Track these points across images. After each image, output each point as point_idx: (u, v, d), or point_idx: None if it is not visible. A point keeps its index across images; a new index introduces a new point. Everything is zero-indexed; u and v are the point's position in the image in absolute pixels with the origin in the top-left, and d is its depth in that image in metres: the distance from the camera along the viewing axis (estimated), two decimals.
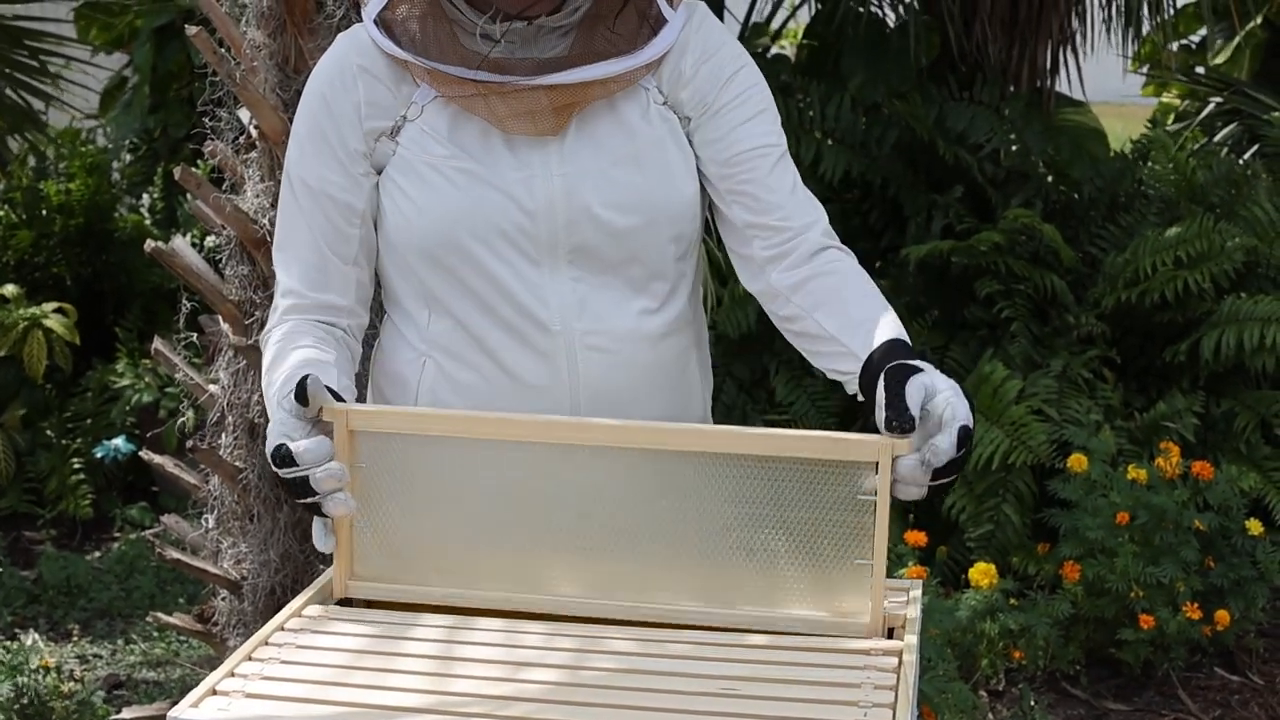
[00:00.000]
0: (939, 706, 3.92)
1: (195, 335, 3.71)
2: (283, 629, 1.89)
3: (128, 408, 6.08)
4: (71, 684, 4.42)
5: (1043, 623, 4.48)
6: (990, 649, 4.50)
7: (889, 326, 2.12)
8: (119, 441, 5.97)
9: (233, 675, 1.77)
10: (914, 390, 1.95)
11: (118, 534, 6.00)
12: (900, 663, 1.78)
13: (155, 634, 5.08)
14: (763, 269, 2.27)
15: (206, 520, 3.69)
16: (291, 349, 2.17)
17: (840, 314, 2.17)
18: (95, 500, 6.02)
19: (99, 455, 5.96)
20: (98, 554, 5.81)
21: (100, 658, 4.96)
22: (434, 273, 2.22)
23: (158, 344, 3.72)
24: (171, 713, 1.66)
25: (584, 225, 2.18)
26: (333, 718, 1.65)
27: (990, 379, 5.03)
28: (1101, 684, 4.66)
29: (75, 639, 5.07)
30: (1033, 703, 4.44)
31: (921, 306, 5.51)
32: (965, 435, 1.91)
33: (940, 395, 1.95)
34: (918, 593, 1.98)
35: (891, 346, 2.08)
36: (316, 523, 2.02)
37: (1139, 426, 5.21)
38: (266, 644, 1.85)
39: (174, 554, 3.59)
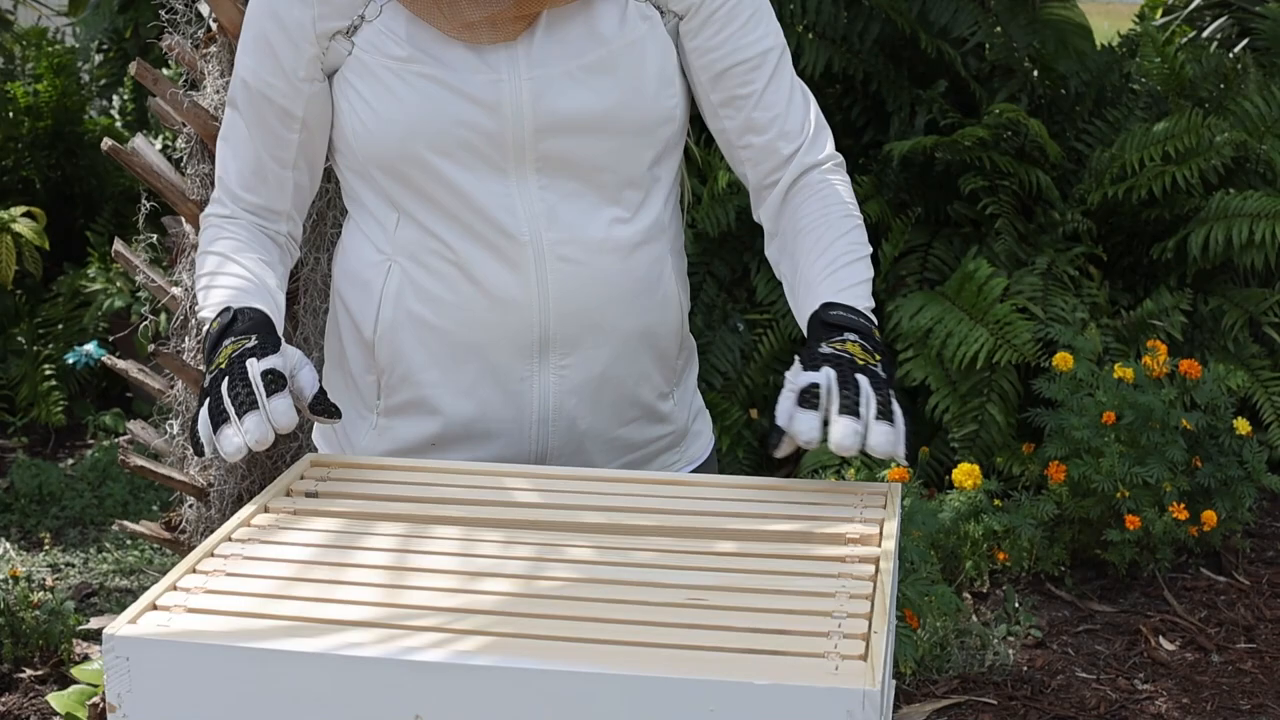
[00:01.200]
0: (921, 610, 3.87)
1: (156, 237, 3.62)
2: (230, 539, 1.81)
3: (99, 313, 5.99)
4: (42, 593, 4.35)
5: (1027, 524, 4.43)
6: (974, 551, 4.45)
7: (826, 286, 2.09)
8: (91, 347, 5.87)
9: (175, 589, 1.68)
10: (783, 398, 1.96)
11: (91, 441, 5.93)
12: (877, 570, 1.69)
13: (128, 542, 5.01)
14: (756, 197, 2.24)
15: (171, 426, 3.61)
16: (228, 270, 2.14)
17: (792, 271, 2.17)
18: (68, 407, 5.96)
19: (70, 361, 5.87)
20: (70, 462, 5.74)
21: (73, 566, 4.90)
22: (396, 182, 2.12)
23: (117, 246, 3.62)
24: (108, 630, 1.57)
25: (553, 132, 2.08)
26: (277, 632, 1.56)
27: (974, 277, 4.95)
28: (1087, 585, 4.61)
29: (47, 548, 5.00)
30: (1017, 604, 4.39)
31: (904, 203, 5.41)
32: (808, 395, 1.90)
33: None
34: (896, 498, 1.89)
35: (813, 321, 2.06)
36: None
37: (1125, 325, 5.14)
38: (212, 555, 1.76)
39: (138, 461, 3.50)
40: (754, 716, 1.45)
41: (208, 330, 2.04)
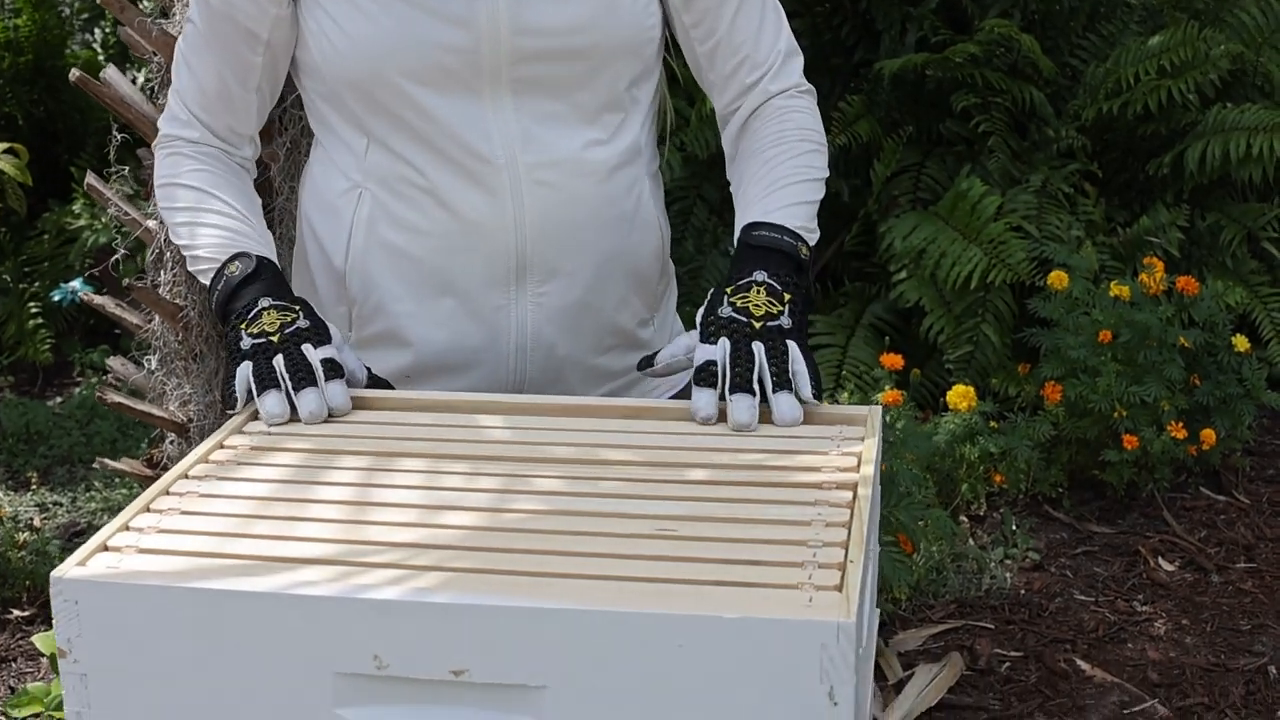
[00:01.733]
0: (916, 534, 3.81)
1: (126, 169, 3.55)
2: (186, 476, 1.75)
3: (85, 249, 5.92)
4: (28, 534, 4.30)
5: (1024, 445, 4.37)
6: (970, 473, 4.39)
7: (759, 206, 2.06)
8: (76, 284, 5.80)
9: (127, 529, 1.62)
10: (680, 342, 2.00)
11: (78, 379, 5.86)
12: (855, 497, 1.63)
13: (116, 480, 4.95)
14: (721, 122, 2.22)
15: (149, 361, 3.55)
16: (216, 209, 2.11)
17: (738, 192, 2.14)
18: (55, 345, 5.89)
19: (56, 299, 5.80)
20: (58, 400, 5.68)
21: (60, 505, 4.84)
22: (367, 106, 2.06)
23: (90, 179, 3.55)
24: (55, 573, 1.51)
25: (528, 53, 2.02)
26: (231, 571, 1.50)
27: (968, 195, 4.88)
28: (1084, 506, 4.55)
29: (34, 487, 4.94)
30: (1014, 527, 4.34)
31: (896, 122, 5.33)
32: (703, 373, 1.87)
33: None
34: (877, 422, 1.83)
35: (738, 245, 2.03)
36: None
37: (1122, 242, 5.07)
38: (167, 493, 1.70)
39: (116, 398, 3.44)
40: (724, 651, 1.39)
41: (220, 272, 2.03)
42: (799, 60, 2.18)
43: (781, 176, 2.07)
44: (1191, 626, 3.91)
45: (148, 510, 1.66)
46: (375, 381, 2.04)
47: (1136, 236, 5.05)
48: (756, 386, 1.84)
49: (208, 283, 2.06)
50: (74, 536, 4.62)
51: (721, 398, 1.85)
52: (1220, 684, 3.64)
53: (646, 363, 2.02)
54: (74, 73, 3.30)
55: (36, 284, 5.96)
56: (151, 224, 3.46)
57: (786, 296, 1.93)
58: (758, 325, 1.88)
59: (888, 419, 3.99)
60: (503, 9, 1.99)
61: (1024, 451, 4.37)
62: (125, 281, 3.31)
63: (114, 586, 1.50)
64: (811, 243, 2.04)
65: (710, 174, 5.29)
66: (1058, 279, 4.56)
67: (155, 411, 3.47)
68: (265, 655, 1.47)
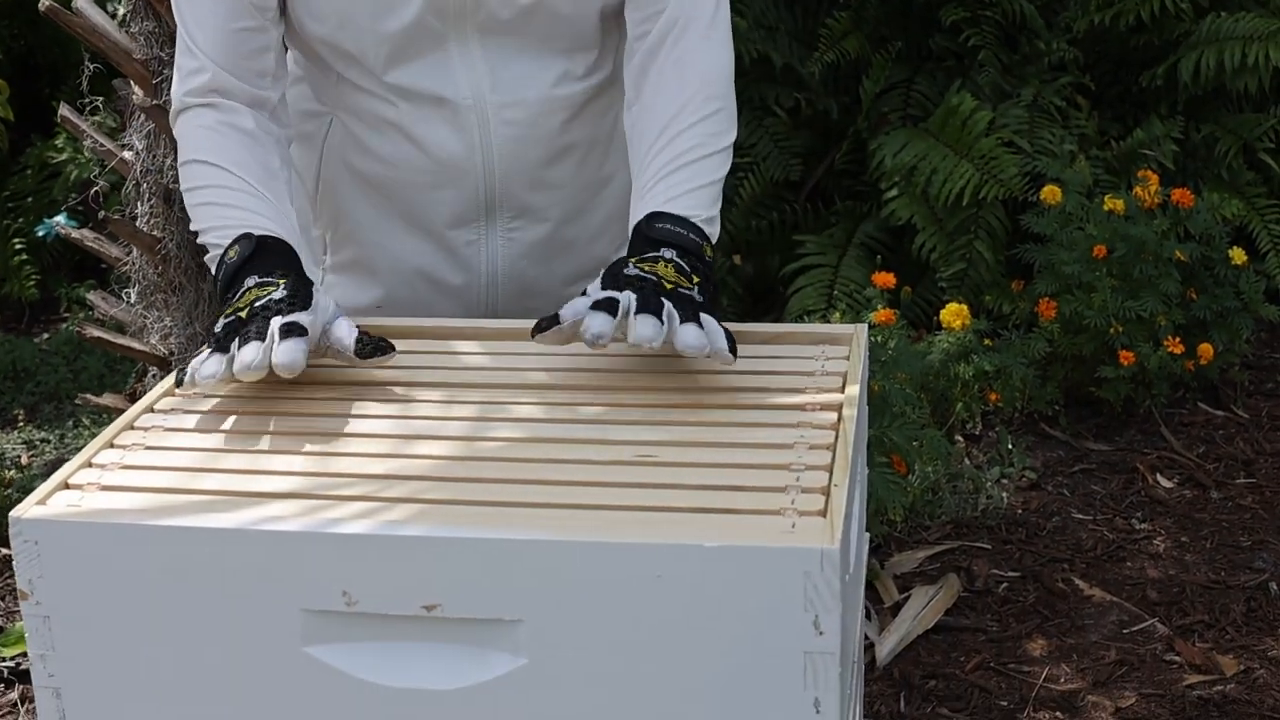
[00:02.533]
0: (910, 455, 3.77)
1: (100, 100, 3.50)
2: (151, 410, 1.69)
3: (69, 184, 5.85)
4: (15, 471, 4.26)
5: (1019, 363, 4.32)
6: (965, 393, 4.34)
7: (657, 192, 1.88)
8: (61, 219, 5.72)
9: (89, 466, 1.57)
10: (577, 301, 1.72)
11: (65, 315, 5.81)
12: (840, 418, 1.58)
13: (104, 416, 4.90)
14: (627, 50, 2.03)
15: (128, 295, 3.50)
16: (227, 184, 1.91)
17: (635, 164, 1.96)
18: (41, 281, 5.82)
19: (41, 234, 5.74)
20: (45, 336, 5.62)
21: (48, 443, 4.79)
22: (333, 52, 1.99)
23: (64, 111, 3.50)
24: (14, 513, 1.47)
25: (493, 6, 1.94)
26: (195, 508, 1.45)
27: (958, 111, 4.81)
28: (1081, 424, 4.51)
29: (21, 425, 4.90)
30: (1010, 445, 4.29)
31: (884, 38, 5.25)
32: (602, 304, 1.66)
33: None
34: (862, 339, 1.77)
35: (635, 234, 1.85)
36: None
37: (1115, 155, 5.01)
38: (131, 428, 1.65)
39: (96, 332, 3.40)
40: (705, 581, 1.34)
41: (222, 259, 1.84)
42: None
43: (682, 153, 1.90)
44: (1191, 544, 3.87)
45: (111, 446, 1.61)
46: (371, 346, 1.75)
47: (1130, 150, 4.98)
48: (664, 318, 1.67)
49: (214, 272, 1.90)
50: None
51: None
52: (1220, 601, 3.61)
53: (549, 322, 1.72)
54: (44, 3, 3.24)
55: (21, 220, 5.89)
56: (128, 155, 3.41)
57: (695, 279, 1.76)
58: (668, 287, 1.71)
59: (879, 339, 3.94)
60: None
61: (1019, 369, 4.32)
62: (101, 214, 3.26)
63: (75, 525, 1.46)
64: (714, 237, 1.88)
65: None
66: (1051, 194, 4.50)
67: (136, 345, 3.43)
68: (231, 593, 1.42)
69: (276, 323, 1.67)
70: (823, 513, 1.39)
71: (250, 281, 1.77)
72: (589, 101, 2.04)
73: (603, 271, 1.76)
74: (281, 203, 1.92)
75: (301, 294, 1.74)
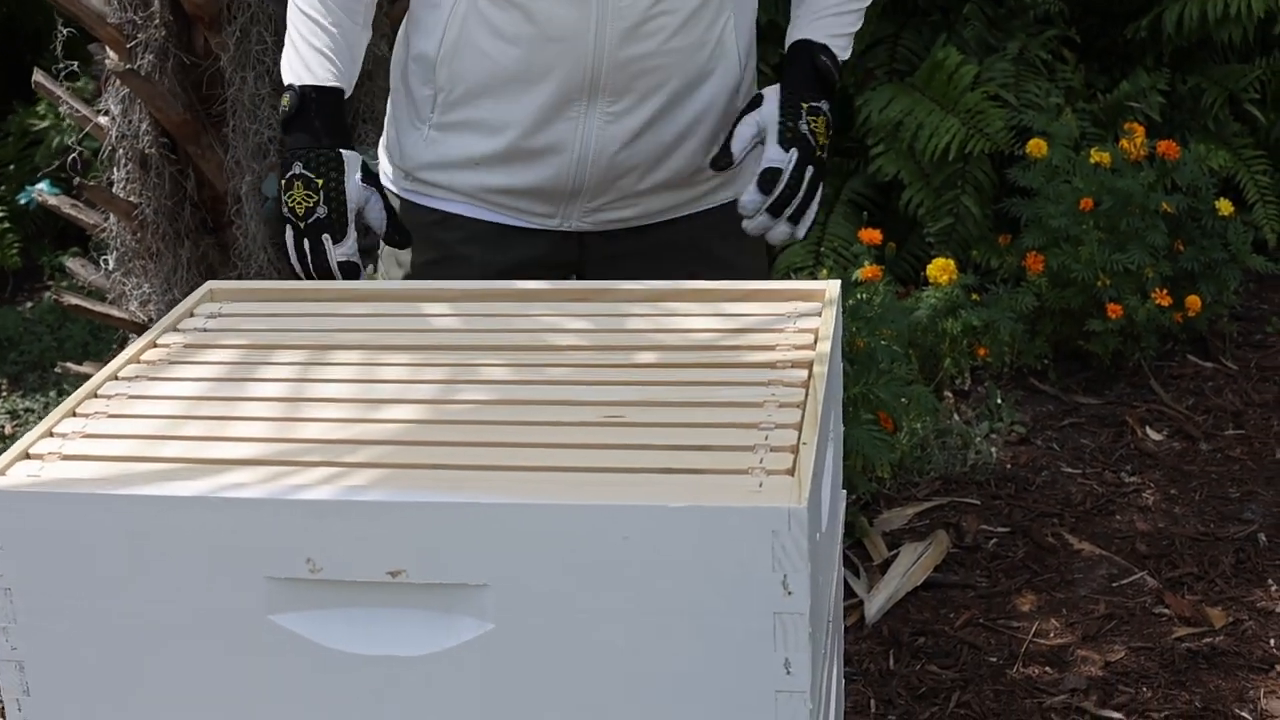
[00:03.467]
0: (897, 412, 3.75)
1: (76, 65, 3.48)
2: (116, 377, 1.67)
3: (51, 151, 5.81)
4: (0, 441, 4.24)
5: (1007, 317, 4.30)
6: (953, 348, 4.32)
7: (816, 23, 2.23)
8: (43, 186, 5.69)
9: (50, 435, 1.55)
10: (745, 128, 2.15)
11: (49, 283, 5.78)
12: (810, 376, 1.56)
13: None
14: None
15: (106, 262, 3.48)
16: (301, 7, 2.18)
17: (806, 10, 2.26)
18: (24, 249, 5.79)
19: (23, 202, 5.70)
20: (29, 305, 5.60)
21: (32, 412, 4.77)
22: None
23: (39, 76, 3.47)
24: None
25: None
26: (156, 476, 1.43)
27: (944, 65, 4.78)
28: (1070, 378, 4.49)
29: (5, 394, 4.88)
30: (1000, 400, 4.27)
31: None
32: (768, 178, 2.09)
33: (765, 134, 2.14)
34: (835, 294, 1.75)
35: (794, 52, 2.24)
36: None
37: (1102, 108, 4.98)
38: (95, 396, 1.63)
39: (74, 300, 3.38)
40: (672, 542, 1.32)
41: (278, 108, 2.25)
42: None
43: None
44: (1180, 496, 3.86)
45: (73, 415, 1.59)
46: (398, 230, 2.17)
47: (1117, 102, 4.95)
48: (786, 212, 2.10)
49: None
50: None
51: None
52: (1210, 553, 3.59)
53: (725, 159, 2.16)
54: None
55: (3, 187, 5.86)
56: (103, 120, 3.38)
57: (828, 135, 2.17)
58: (818, 153, 2.12)
59: (865, 296, 3.91)
60: None
61: (1007, 324, 4.30)
62: (77, 180, 3.24)
63: (34, 496, 1.44)
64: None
65: None
66: (1037, 147, 4.47)
67: (115, 312, 3.41)
68: (194, 562, 1.40)
69: (334, 258, 2.06)
70: (791, 471, 1.37)
71: (296, 168, 2.09)
72: (703, 4, 2.16)
73: (779, 106, 2.13)
74: (349, 35, 2.19)
75: (337, 210, 2.08)
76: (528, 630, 1.36)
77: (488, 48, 2.15)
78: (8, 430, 4.44)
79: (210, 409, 1.58)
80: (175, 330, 1.79)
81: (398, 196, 2.30)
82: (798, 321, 1.69)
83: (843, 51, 2.23)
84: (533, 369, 1.62)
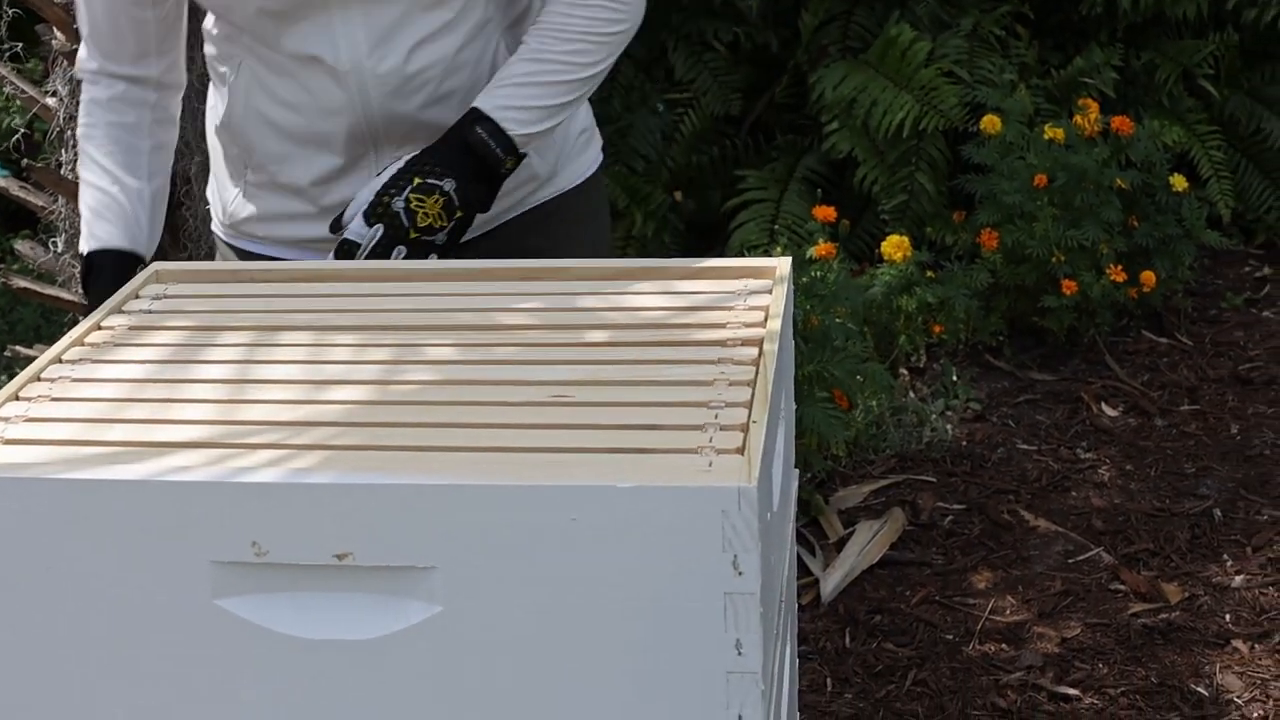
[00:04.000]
0: (852, 389, 3.75)
1: (20, 46, 3.44)
2: (59, 360, 1.65)
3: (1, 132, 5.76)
4: None
5: (961, 294, 4.30)
6: (908, 325, 4.32)
7: (493, 91, 2.07)
8: None
9: None
10: (365, 192, 2.01)
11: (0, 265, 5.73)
12: (760, 354, 1.55)
13: None
14: None
15: (55, 244, 3.45)
16: (86, 177, 2.19)
17: (498, 75, 2.12)
18: None
19: None
20: None
21: None
22: (227, 24, 2.15)
23: None
24: None
25: None
26: (100, 459, 1.41)
27: (897, 42, 4.78)
28: (1026, 354, 4.50)
29: None
30: (955, 377, 4.28)
31: None
32: (343, 250, 1.98)
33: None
34: (785, 270, 1.74)
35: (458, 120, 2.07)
36: None
37: (1056, 84, 4.98)
38: (38, 379, 1.61)
39: (22, 282, 3.35)
40: (620, 523, 1.30)
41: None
42: None
43: (544, 67, 2.07)
44: (1135, 472, 3.87)
45: (16, 399, 1.57)
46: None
47: (1071, 78, 4.96)
48: None
49: None
50: None
51: None
52: (1165, 529, 3.60)
53: (335, 225, 2.03)
54: None
55: None
56: (50, 101, 3.35)
57: (458, 214, 2.00)
58: (413, 235, 1.97)
59: (819, 274, 3.91)
60: None
61: (962, 301, 4.30)
62: (25, 162, 3.21)
63: None
64: (523, 150, 2.06)
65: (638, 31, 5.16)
66: (991, 123, 4.47)
67: (65, 295, 3.38)
68: (137, 547, 1.38)
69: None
70: (740, 450, 1.36)
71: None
72: (464, 46, 2.10)
73: (388, 175, 2.00)
74: (131, 191, 2.18)
75: None
76: (477, 612, 1.34)
77: (274, 115, 2.13)
78: None
79: (155, 391, 1.56)
80: (120, 312, 1.77)
81: (227, 244, 2.29)
82: (748, 299, 1.68)
83: (524, 125, 2.04)
84: (480, 349, 1.61)
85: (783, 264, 1.75)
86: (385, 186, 1.98)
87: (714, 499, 1.28)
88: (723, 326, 1.61)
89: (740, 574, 1.30)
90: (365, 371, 1.57)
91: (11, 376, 4.56)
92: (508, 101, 2.04)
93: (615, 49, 2.13)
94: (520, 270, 1.80)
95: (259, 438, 1.44)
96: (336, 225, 2.02)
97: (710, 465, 1.33)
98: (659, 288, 1.72)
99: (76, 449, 1.45)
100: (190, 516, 1.37)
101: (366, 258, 1.95)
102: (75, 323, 3.45)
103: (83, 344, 1.69)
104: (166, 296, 1.81)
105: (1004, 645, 3.21)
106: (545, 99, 2.06)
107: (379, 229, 1.96)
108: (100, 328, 1.73)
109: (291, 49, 2.07)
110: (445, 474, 1.34)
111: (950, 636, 3.25)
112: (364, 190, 2.01)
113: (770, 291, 1.69)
